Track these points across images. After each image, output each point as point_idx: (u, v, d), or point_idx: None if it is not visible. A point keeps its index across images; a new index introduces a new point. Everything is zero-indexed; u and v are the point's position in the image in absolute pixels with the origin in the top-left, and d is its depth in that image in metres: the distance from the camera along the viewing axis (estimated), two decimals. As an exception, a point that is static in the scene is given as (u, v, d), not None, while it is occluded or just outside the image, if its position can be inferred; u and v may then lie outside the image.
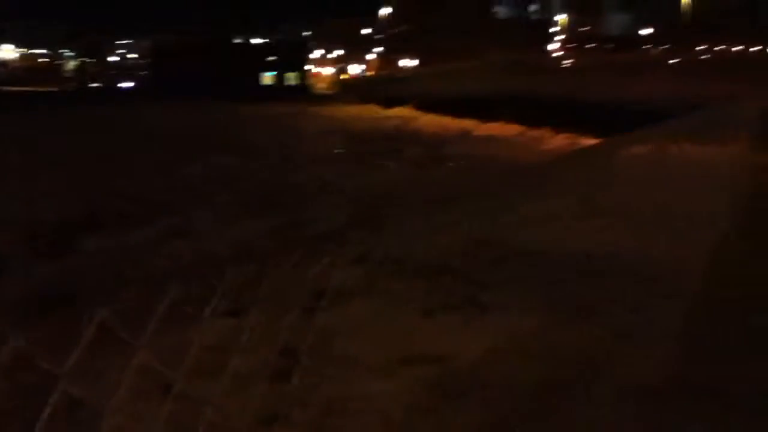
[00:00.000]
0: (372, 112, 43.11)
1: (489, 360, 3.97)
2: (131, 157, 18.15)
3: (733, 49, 50.08)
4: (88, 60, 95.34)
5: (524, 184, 6.24)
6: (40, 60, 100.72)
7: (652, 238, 6.26)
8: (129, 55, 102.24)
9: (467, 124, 31.61)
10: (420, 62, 77.30)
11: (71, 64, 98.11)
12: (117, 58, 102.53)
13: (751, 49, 48.11)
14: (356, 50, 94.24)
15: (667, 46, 58.82)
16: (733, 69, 32.36)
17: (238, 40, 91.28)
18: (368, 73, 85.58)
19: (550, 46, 79.29)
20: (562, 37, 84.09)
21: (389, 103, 46.63)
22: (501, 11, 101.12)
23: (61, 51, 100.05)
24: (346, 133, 27.38)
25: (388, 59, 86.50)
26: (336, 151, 21.45)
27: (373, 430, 3.29)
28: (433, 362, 3.90)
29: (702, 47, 51.37)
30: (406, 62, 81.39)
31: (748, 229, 6.75)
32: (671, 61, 46.83)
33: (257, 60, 76.05)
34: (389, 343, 4.15)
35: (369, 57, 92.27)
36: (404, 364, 3.88)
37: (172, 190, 12.75)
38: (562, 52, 74.27)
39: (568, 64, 61.45)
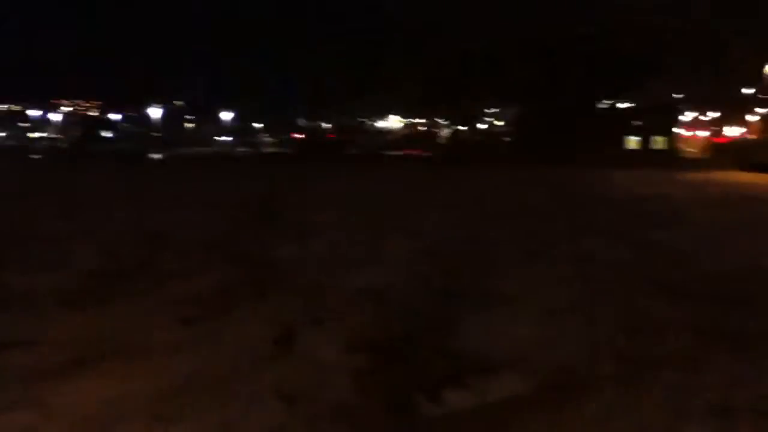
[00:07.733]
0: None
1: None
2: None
3: None
4: (461, 128, 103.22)
5: None
6: (419, 129, 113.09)
7: None
8: (496, 122, 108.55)
9: None
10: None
11: (445, 132, 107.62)
12: (485, 126, 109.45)
13: None
14: (734, 111, 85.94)
15: None
16: None
17: (602, 105, 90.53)
18: (749, 137, 77.16)
19: None
20: None
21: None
22: None
23: (438, 120, 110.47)
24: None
25: (774, 120, 77.14)
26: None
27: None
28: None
29: None
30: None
31: None
32: None
33: (622, 124, 74.04)
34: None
35: (750, 118, 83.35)
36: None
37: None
38: None
39: None
